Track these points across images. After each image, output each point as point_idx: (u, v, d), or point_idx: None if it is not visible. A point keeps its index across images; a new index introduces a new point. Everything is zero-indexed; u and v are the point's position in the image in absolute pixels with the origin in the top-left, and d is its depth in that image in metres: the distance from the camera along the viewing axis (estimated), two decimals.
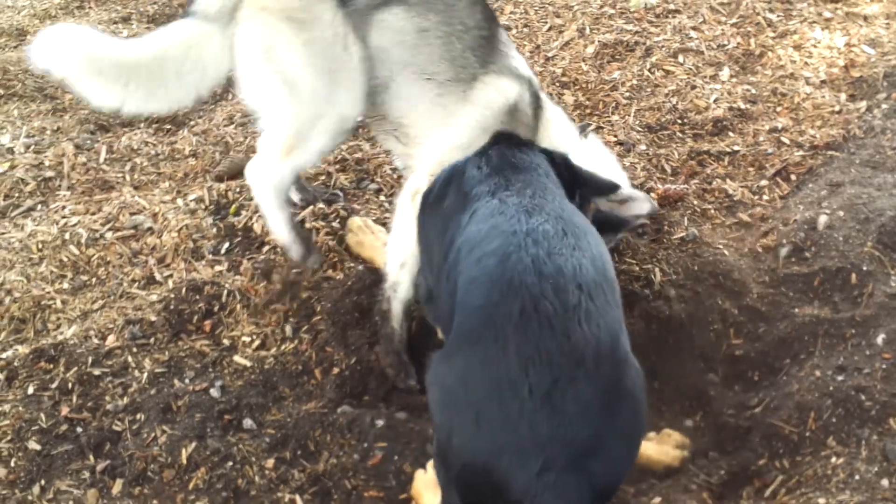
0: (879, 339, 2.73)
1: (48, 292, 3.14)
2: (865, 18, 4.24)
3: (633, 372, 2.11)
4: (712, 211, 3.35)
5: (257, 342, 2.98)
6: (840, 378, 2.66)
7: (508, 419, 1.96)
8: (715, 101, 3.81)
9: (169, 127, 4.02)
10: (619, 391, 2.05)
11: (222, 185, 3.57)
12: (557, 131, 3.10)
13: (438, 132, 2.99)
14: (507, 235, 2.18)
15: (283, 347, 2.97)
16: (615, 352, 2.06)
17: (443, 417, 2.10)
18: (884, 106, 3.70)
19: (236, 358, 2.92)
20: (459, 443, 2.04)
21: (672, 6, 4.52)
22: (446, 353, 2.15)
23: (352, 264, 3.18)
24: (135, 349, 2.93)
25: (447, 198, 2.52)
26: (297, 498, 2.53)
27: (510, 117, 2.99)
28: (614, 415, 2.03)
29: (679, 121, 3.77)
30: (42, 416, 2.71)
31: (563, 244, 2.16)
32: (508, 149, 2.60)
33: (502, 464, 1.97)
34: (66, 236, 3.34)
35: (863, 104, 3.72)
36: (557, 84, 4.05)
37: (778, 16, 4.27)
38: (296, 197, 3.42)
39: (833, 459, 2.48)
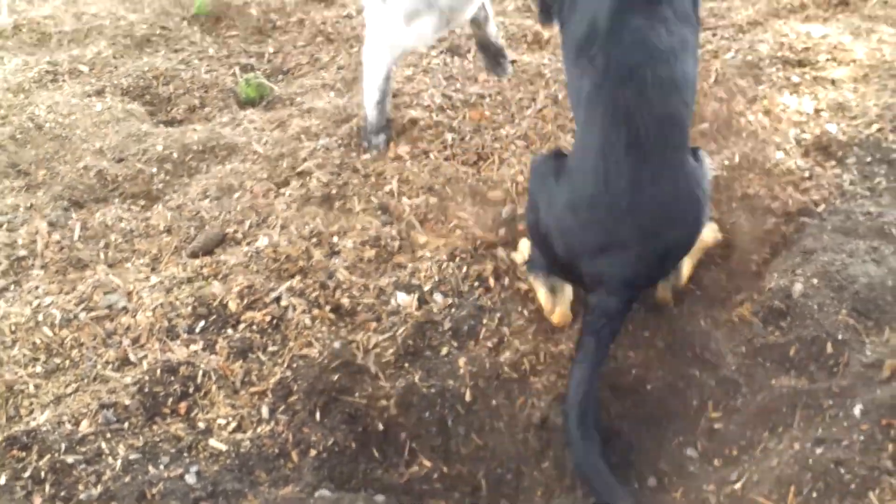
0: (857, 410, 2.72)
1: (21, 376, 3.11)
2: (833, 83, 4.29)
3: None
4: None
5: (233, 424, 2.95)
6: (819, 451, 2.65)
7: (597, 244, 2.83)
8: None
9: (143, 202, 4.01)
10: (697, 228, 2.99)
11: (197, 261, 3.56)
12: None
13: None
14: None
15: (259, 430, 2.93)
16: (685, 235, 2.97)
17: (548, 218, 2.96)
18: (854, 171, 3.73)
19: (212, 441, 2.89)
20: (562, 243, 2.92)
21: None
22: (567, 167, 2.94)
23: (328, 341, 3.17)
24: (108, 434, 2.89)
25: None
26: None
27: None
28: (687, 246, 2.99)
29: None
30: None
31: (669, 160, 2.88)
32: None
33: (583, 265, 2.88)
34: (40, 317, 3.31)
35: (833, 170, 3.75)
36: (529, 152, 4.06)
37: (748, 81, 4.31)
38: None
39: None
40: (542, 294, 3.22)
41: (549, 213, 2.96)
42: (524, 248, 3.44)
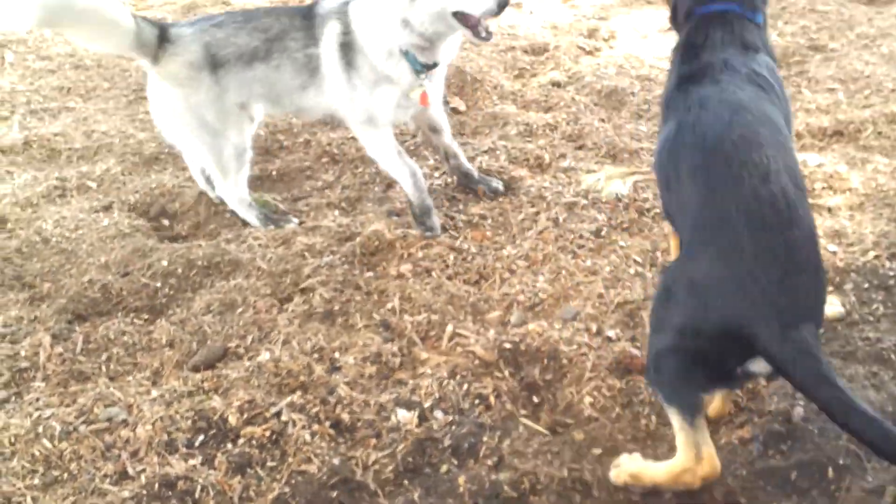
0: None
1: (19, 488, 3.09)
2: (830, 210, 4.37)
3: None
4: None
5: None
6: None
7: (753, 298, 2.54)
8: None
9: (147, 316, 4.03)
10: (821, 273, 2.70)
11: (198, 375, 3.56)
12: None
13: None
14: (736, 175, 2.69)
15: None
16: (816, 245, 2.70)
17: (694, 300, 2.67)
18: (852, 297, 3.78)
19: None
20: (716, 316, 2.61)
21: (646, 195, 4.66)
22: (688, 256, 2.79)
23: (327, 457, 3.16)
24: None
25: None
26: None
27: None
28: (820, 292, 2.69)
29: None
30: None
31: (778, 167, 2.71)
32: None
33: (751, 326, 2.54)
34: (40, 429, 3.30)
35: (831, 295, 3.79)
36: (531, 272, 4.11)
37: None
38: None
39: None
40: (681, 440, 2.85)
41: (708, 280, 2.64)
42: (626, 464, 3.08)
